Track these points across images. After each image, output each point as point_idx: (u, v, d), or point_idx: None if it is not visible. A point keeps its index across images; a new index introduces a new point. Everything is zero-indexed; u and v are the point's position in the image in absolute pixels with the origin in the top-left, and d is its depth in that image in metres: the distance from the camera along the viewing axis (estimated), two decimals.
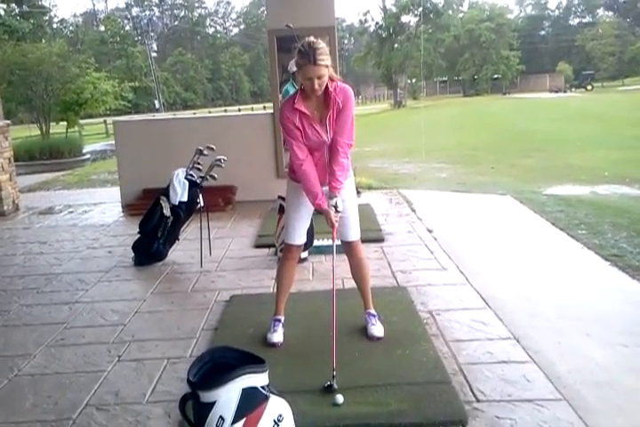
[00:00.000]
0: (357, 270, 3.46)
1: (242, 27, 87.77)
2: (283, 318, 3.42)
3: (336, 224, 3.17)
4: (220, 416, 2.15)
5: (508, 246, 5.54)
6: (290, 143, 3.14)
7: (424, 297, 4.00)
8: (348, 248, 3.42)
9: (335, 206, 3.15)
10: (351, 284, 3.63)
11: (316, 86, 2.96)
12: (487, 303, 3.85)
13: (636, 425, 2.55)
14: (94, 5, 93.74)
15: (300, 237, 3.37)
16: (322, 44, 2.96)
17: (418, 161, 12.87)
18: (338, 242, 3.32)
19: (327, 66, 2.95)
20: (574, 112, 26.34)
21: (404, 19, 54.17)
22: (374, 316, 3.42)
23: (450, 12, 58.24)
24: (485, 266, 4.87)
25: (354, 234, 3.37)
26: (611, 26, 69.94)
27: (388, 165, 12.66)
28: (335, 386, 2.74)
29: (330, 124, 3.09)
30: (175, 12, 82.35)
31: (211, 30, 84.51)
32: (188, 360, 3.08)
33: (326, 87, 3.02)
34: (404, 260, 4.88)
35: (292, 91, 3.12)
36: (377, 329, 3.35)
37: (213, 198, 6.38)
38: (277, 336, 3.33)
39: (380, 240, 5.46)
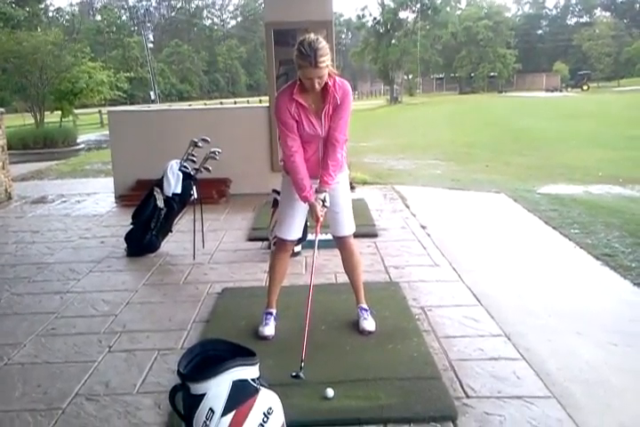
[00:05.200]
0: (349, 265, 3.46)
1: (239, 19, 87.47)
2: (275, 312, 3.41)
3: (321, 218, 3.17)
4: (210, 408, 2.14)
5: (500, 244, 5.55)
6: (283, 134, 3.12)
7: (416, 293, 4.00)
8: (340, 243, 3.42)
9: (323, 201, 3.14)
10: (344, 278, 3.64)
11: (316, 85, 2.97)
12: (479, 300, 3.86)
13: (624, 423, 2.56)
14: None
15: (294, 233, 3.38)
16: (322, 44, 2.91)
17: (413, 157, 12.88)
18: (325, 236, 3.32)
19: (327, 66, 2.94)
20: (570, 111, 26.40)
21: (402, 15, 54.32)
22: (366, 310, 3.42)
23: (448, 8, 58.22)
24: (478, 263, 4.88)
25: (347, 229, 3.37)
26: (608, 26, 70.12)
27: (382, 160, 12.65)
28: (302, 376, 2.73)
29: (325, 118, 3.08)
30: (172, 2, 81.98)
31: (208, 22, 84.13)
32: (178, 352, 3.07)
33: (325, 82, 3.02)
34: (397, 255, 4.88)
35: None
36: (368, 323, 3.35)
37: (207, 191, 6.36)
38: (269, 329, 3.32)
39: (374, 235, 5.46)
